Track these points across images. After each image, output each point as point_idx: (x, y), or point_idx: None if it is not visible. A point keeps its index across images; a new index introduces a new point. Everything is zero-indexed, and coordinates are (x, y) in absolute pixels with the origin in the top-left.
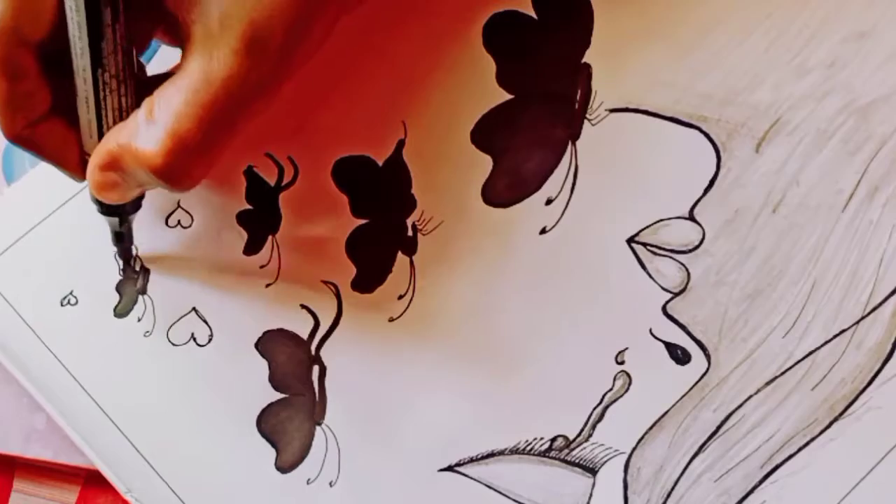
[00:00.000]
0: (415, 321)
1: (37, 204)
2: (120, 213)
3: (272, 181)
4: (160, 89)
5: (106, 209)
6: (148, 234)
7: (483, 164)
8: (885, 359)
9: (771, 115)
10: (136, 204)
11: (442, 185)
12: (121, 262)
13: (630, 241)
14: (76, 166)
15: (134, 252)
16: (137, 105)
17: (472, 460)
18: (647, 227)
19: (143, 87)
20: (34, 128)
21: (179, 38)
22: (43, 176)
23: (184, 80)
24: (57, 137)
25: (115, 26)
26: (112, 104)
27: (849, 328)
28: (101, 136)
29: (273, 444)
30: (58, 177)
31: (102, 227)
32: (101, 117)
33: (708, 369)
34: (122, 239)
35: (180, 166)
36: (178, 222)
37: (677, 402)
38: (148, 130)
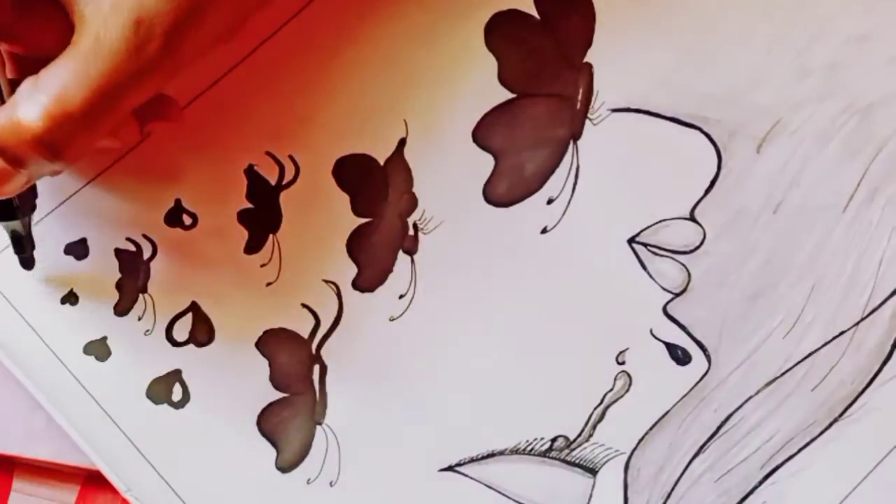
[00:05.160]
0: (416, 320)
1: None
2: (16, 216)
3: (273, 180)
4: (47, 66)
5: (2, 213)
6: (148, 233)
7: (484, 164)
8: (885, 360)
9: (772, 116)
10: (31, 204)
11: (443, 184)
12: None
13: (631, 241)
14: None
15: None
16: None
17: (472, 460)
18: (648, 227)
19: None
20: None
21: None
22: None
23: (71, 52)
24: None
25: None
26: None
27: (848, 329)
28: None
29: (273, 444)
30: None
31: (101, 227)
32: None
33: (708, 370)
34: (24, 245)
35: (63, 134)
36: (179, 221)
37: (678, 402)
38: (31, 100)
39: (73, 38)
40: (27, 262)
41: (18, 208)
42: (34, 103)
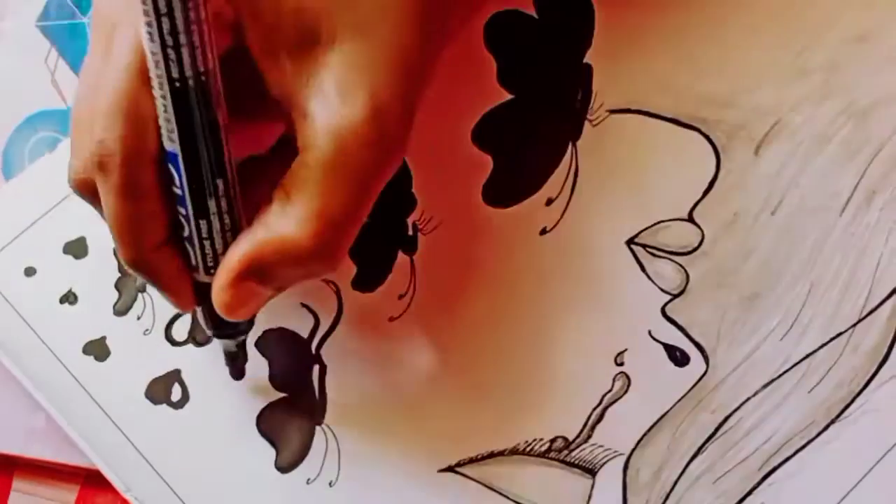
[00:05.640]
0: (415, 321)
1: (35, 200)
2: (238, 333)
3: None
4: (288, 175)
5: (223, 332)
6: None
7: (483, 164)
8: (882, 362)
9: (771, 117)
10: (251, 320)
11: (442, 185)
12: (234, 378)
13: (630, 242)
14: (189, 295)
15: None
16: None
17: (471, 461)
18: (647, 228)
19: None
20: (152, 253)
21: (287, 121)
22: (41, 172)
23: (314, 155)
24: (172, 266)
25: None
26: (223, 227)
27: (846, 331)
28: (214, 266)
29: (273, 444)
30: (56, 172)
31: (100, 226)
32: (214, 242)
33: (706, 371)
34: (237, 358)
35: (331, 243)
36: None
37: (676, 403)
38: (288, 216)
39: (305, 139)
40: (239, 375)
41: (240, 326)
42: (294, 219)
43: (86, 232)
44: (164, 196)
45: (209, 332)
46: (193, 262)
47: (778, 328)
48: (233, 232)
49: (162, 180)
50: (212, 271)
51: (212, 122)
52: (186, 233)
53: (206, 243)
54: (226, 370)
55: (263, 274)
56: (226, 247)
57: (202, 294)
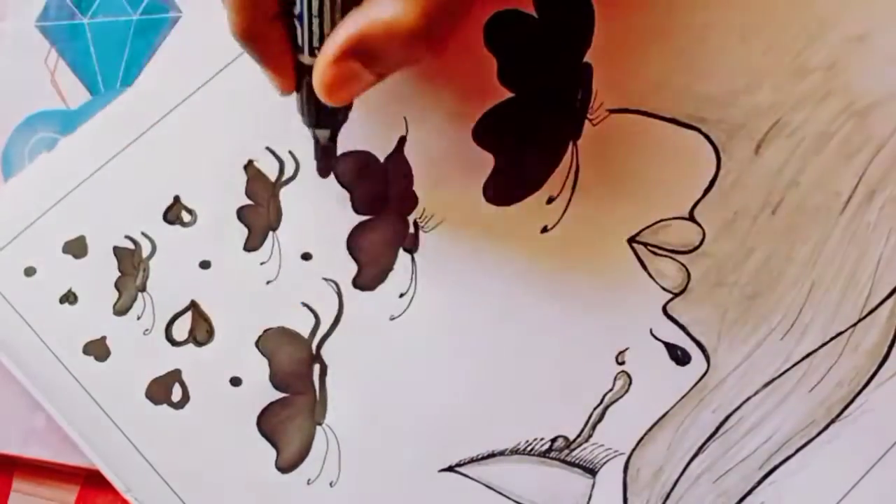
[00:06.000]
0: (416, 320)
1: (34, 200)
2: (333, 124)
3: (273, 176)
4: None
5: (320, 120)
6: (147, 230)
7: (485, 162)
8: (882, 361)
9: (771, 116)
10: (346, 112)
11: (443, 183)
12: (321, 174)
13: (631, 240)
14: (291, 74)
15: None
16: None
17: (472, 460)
18: (648, 227)
19: None
20: (263, 25)
21: None
22: (40, 171)
23: None
24: (279, 42)
25: None
26: (333, 6)
27: (846, 330)
28: (319, 46)
29: (273, 444)
30: (55, 172)
31: (99, 225)
32: (323, 21)
33: (707, 370)
34: (328, 153)
35: (436, 24)
36: (178, 218)
37: (677, 402)
38: None
39: None
40: (326, 172)
41: (337, 116)
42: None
43: (85, 231)
44: None
45: (306, 122)
46: (300, 40)
47: (779, 327)
48: (343, 12)
49: None
50: (316, 52)
51: None
52: (297, 9)
53: (315, 21)
54: (225, 370)
55: (368, 54)
56: (333, 27)
57: (302, 79)
